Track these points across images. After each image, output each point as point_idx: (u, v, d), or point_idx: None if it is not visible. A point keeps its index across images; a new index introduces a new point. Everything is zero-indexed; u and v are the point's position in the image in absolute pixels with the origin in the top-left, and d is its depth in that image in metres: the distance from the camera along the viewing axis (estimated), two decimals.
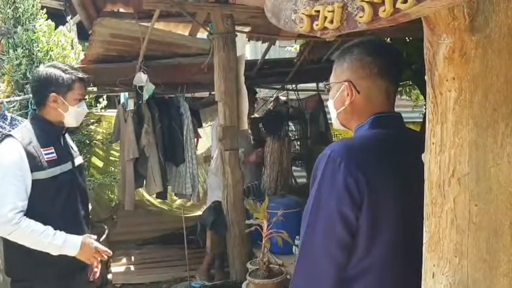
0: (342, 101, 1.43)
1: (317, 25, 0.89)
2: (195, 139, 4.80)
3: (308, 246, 1.31)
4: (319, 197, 1.28)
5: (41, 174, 2.15)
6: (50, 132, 2.27)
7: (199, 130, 5.15)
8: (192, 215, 5.42)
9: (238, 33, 3.85)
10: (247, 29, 4.50)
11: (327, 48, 4.72)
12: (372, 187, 1.23)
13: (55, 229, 2.15)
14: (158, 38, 3.95)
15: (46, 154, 2.19)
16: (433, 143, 0.97)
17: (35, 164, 2.13)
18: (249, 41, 4.65)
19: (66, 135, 2.43)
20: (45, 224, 2.14)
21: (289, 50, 6.57)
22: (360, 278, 1.30)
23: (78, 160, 2.43)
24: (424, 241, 1.01)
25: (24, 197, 2.10)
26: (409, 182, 1.24)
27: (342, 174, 1.23)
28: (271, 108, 5.71)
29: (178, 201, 5.63)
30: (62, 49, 4.53)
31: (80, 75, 2.31)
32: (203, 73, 4.09)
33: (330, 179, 1.26)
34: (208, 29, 3.78)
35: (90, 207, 2.71)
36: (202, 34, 4.37)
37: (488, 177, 0.89)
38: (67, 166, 2.29)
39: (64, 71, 2.27)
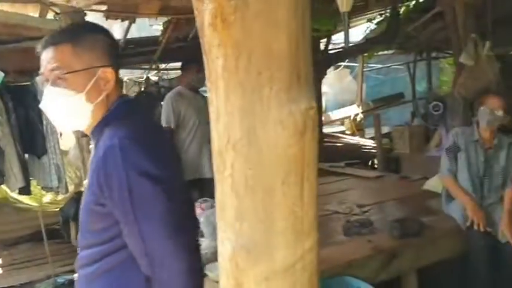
0: (98, 91, 1.25)
1: None
2: None
3: None
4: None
5: None
6: None
7: None
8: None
9: (91, 12, 3.65)
10: (103, 7, 4.28)
11: (190, 26, 4.65)
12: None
13: None
14: (0, 19, 3.60)
15: None
16: (212, 112, 0.97)
17: None
18: (106, 19, 4.41)
19: None
20: None
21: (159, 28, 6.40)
22: None
23: None
24: (216, 210, 1.02)
25: None
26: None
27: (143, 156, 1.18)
28: (142, 89, 5.55)
29: (49, 196, 5.29)
30: None
31: None
32: None
33: (134, 164, 1.17)
34: (55, 8, 3.52)
35: None
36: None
37: (258, 141, 0.91)
38: None
39: None
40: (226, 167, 0.94)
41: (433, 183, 3.76)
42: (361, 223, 3.03)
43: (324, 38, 6.50)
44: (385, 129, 6.61)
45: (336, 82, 10.07)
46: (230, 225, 0.95)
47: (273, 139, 0.90)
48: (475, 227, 2.89)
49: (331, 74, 9.38)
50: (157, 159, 1.18)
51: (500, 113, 3.03)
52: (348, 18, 2.82)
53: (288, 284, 0.95)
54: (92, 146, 1.36)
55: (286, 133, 0.90)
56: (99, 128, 1.28)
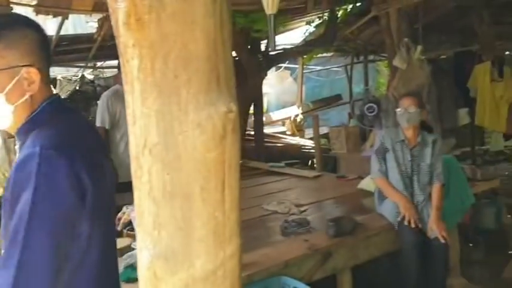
0: (21, 92, 1.15)
1: None
2: None
3: None
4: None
5: None
6: None
7: None
8: None
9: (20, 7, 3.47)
10: (34, 2, 4.08)
11: None
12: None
13: None
14: None
15: None
16: (128, 114, 0.93)
17: None
18: (36, 15, 4.20)
19: None
20: None
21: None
22: None
23: None
24: (136, 218, 0.98)
25: None
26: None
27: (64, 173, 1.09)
28: (77, 88, 5.35)
29: None
30: None
31: None
32: None
33: (49, 180, 1.07)
34: None
35: None
36: None
37: (176, 146, 0.88)
38: None
39: None
40: (144, 172, 0.90)
41: (367, 183, 3.88)
42: (298, 223, 3.06)
43: (265, 39, 6.54)
44: (324, 130, 6.75)
45: (277, 83, 10.18)
46: (148, 233, 0.91)
47: (191, 143, 0.87)
48: (406, 223, 3.01)
49: (272, 75, 9.47)
50: (80, 179, 1.10)
51: (412, 109, 3.18)
52: (274, 21, 2.82)
53: None
54: (17, 147, 1.25)
55: (205, 137, 0.88)
56: (24, 130, 1.19)
